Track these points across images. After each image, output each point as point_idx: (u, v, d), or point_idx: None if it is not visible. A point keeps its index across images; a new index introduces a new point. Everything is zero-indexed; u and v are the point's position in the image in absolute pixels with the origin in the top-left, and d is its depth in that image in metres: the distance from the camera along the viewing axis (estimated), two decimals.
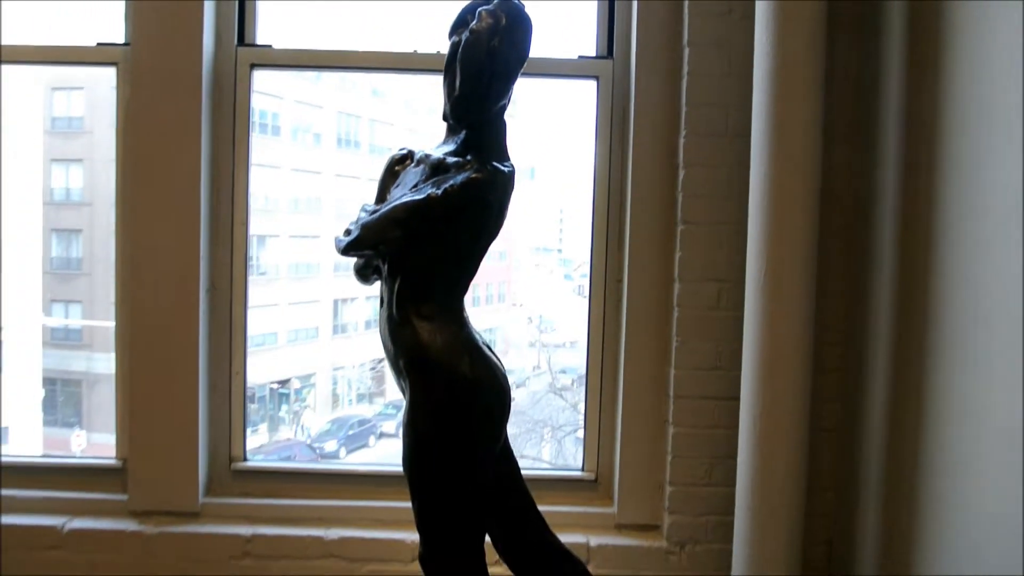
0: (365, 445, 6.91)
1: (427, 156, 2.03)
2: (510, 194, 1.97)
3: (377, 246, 1.93)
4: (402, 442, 1.96)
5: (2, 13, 2.83)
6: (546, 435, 8.25)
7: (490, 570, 2.08)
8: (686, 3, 2.70)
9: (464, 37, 1.94)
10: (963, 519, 2.09)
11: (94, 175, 7.16)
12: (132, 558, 2.75)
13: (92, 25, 2.90)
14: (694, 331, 2.73)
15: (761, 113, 2.47)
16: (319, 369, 7.57)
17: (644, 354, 2.79)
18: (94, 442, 6.76)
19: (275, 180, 7.10)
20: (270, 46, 2.87)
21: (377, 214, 1.94)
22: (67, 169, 7.84)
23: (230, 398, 2.88)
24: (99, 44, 2.85)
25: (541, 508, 2.17)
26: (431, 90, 2.26)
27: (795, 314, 2.45)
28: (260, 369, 7.14)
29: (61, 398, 8.16)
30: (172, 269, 2.77)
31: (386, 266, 1.97)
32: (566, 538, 2.68)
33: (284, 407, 7.39)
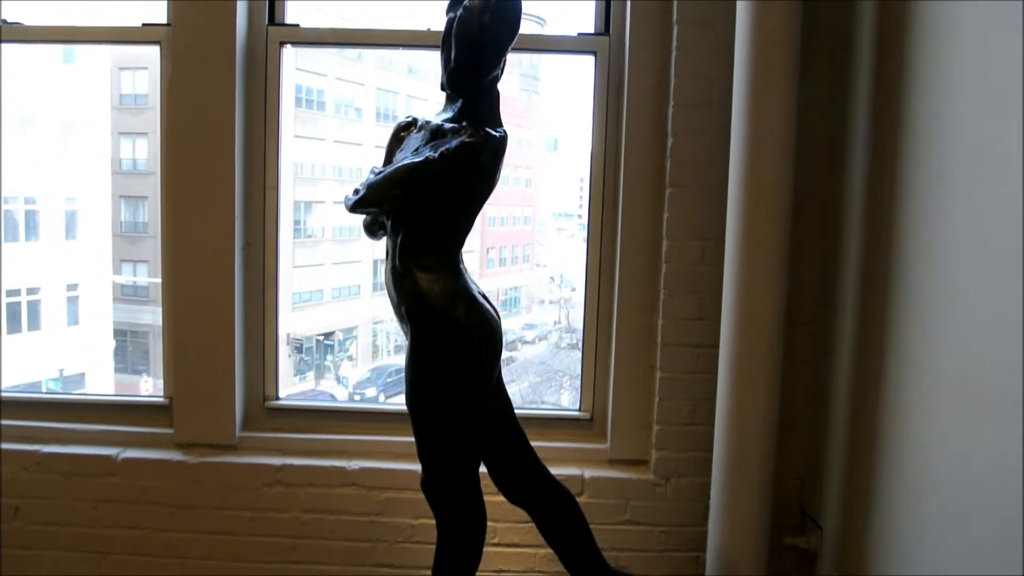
0: (402, 392, 6.98)
1: (428, 123, 2.05)
2: (501, 157, 1.99)
3: (381, 204, 1.97)
4: (405, 380, 2.01)
5: None
6: (565, 383, 8.31)
7: (487, 499, 2.13)
8: None
9: (458, 13, 1.95)
10: (920, 459, 2.10)
11: (159, 147, 7.26)
12: (177, 484, 2.82)
13: (139, 7, 2.93)
14: (680, 285, 2.73)
15: (742, 85, 2.45)
16: (360, 323, 7.65)
17: (635, 306, 2.80)
18: (159, 387, 6.92)
19: (320, 151, 7.16)
20: (298, 25, 2.88)
21: (381, 175, 1.97)
22: (133, 142, 7.93)
23: (264, 344, 2.93)
24: (144, 24, 2.88)
25: (543, 444, 2.21)
26: None
27: (770, 270, 2.45)
28: (306, 323, 7.25)
29: (131, 348, 8.32)
30: (211, 228, 2.81)
31: (390, 222, 2.00)
32: (564, 471, 2.76)
33: (329, 357, 7.50)
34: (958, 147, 1.96)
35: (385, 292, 2.06)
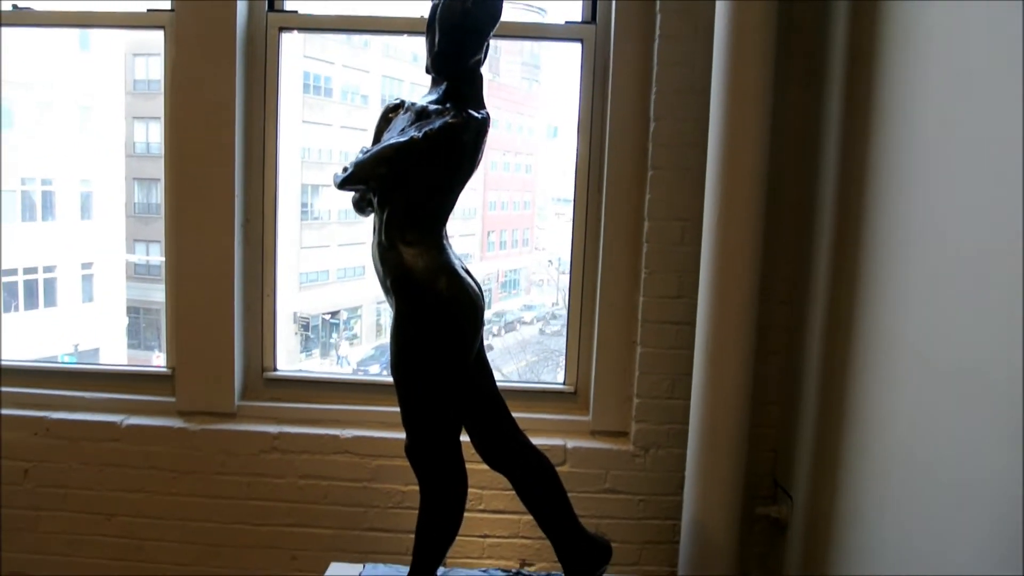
0: None
1: (414, 105, 2.08)
2: (483, 137, 2.01)
3: (367, 181, 2.00)
4: (390, 350, 2.04)
5: None
6: (561, 362, 8.37)
7: (472, 468, 2.17)
8: None
9: (442, 0, 1.98)
10: (885, 432, 2.13)
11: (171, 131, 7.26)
12: (178, 450, 2.87)
13: None
14: (660, 264, 2.76)
15: (720, 71, 2.48)
16: (365, 302, 7.69)
17: (617, 284, 2.83)
18: None
19: (327, 136, 7.18)
20: (296, 12, 2.90)
21: (368, 154, 2.00)
22: (147, 125, 7.95)
23: (262, 317, 2.96)
24: (149, 10, 2.90)
25: (529, 416, 2.23)
26: None
27: (745, 250, 2.48)
28: (313, 302, 7.29)
29: (143, 324, 8.37)
30: (212, 206, 2.84)
31: (376, 199, 2.03)
32: (547, 441, 2.80)
33: (334, 335, 7.54)
34: (930, 122, 1.98)
35: None
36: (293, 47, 2.92)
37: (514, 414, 2.20)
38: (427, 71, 2.09)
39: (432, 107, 2.01)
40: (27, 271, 7.84)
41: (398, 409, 2.82)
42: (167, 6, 2.88)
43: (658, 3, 2.70)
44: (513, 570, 2.46)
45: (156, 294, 8.21)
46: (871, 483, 2.19)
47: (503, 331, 9.14)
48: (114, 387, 2.99)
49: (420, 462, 2.09)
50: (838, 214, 2.46)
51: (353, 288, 7.61)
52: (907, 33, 2.10)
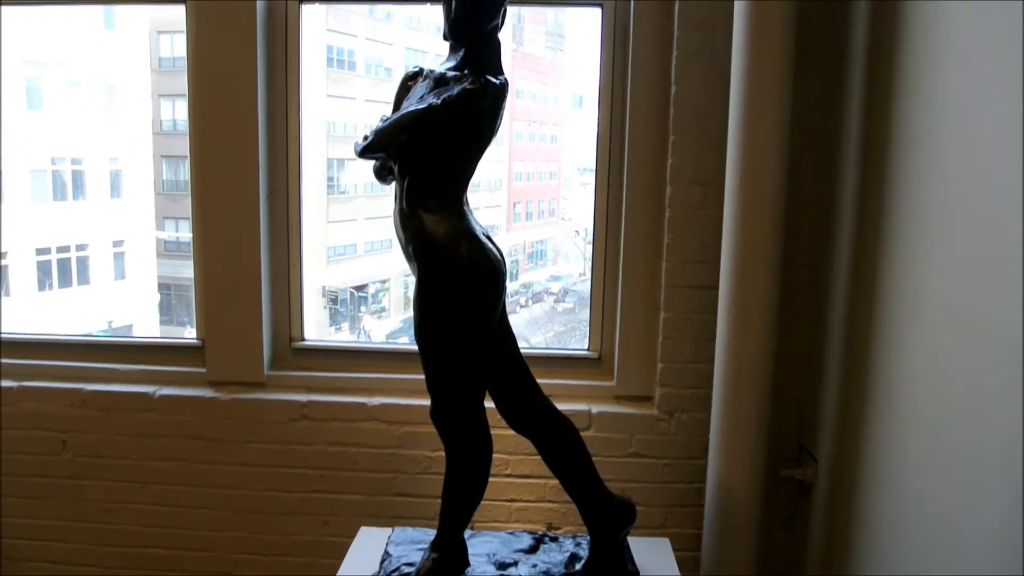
0: None
1: (432, 72, 2.09)
2: (502, 103, 2.02)
3: (387, 149, 2.02)
4: (413, 316, 2.07)
5: None
6: (586, 330, 8.38)
7: (499, 433, 2.20)
8: None
9: None
10: (909, 392, 2.13)
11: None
12: (210, 419, 2.93)
13: None
14: (682, 229, 2.77)
15: (740, 31, 2.46)
16: (392, 275, 7.75)
17: (640, 249, 2.84)
18: None
19: (351, 110, 7.21)
20: None
21: (387, 122, 2.02)
22: (173, 103, 8.03)
23: (289, 288, 3.01)
24: None
25: (553, 381, 2.26)
26: None
27: (767, 213, 2.47)
28: (341, 276, 7.36)
29: (175, 300, 8.50)
30: (236, 179, 2.88)
31: (397, 166, 2.05)
32: (573, 407, 2.83)
33: (363, 308, 7.61)
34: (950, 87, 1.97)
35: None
36: (315, 20, 2.93)
37: (539, 380, 2.23)
38: (444, 38, 2.10)
39: (450, 74, 2.03)
40: (60, 250, 7.98)
41: (423, 376, 2.90)
42: None
43: None
44: (539, 532, 2.51)
45: (186, 270, 8.33)
46: (896, 445, 2.19)
47: (530, 302, 9.18)
48: (146, 359, 3.06)
49: (445, 426, 2.13)
50: (862, 175, 2.45)
51: (381, 261, 7.67)
52: None
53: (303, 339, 3.05)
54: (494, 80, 1.99)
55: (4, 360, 3.02)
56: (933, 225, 2.02)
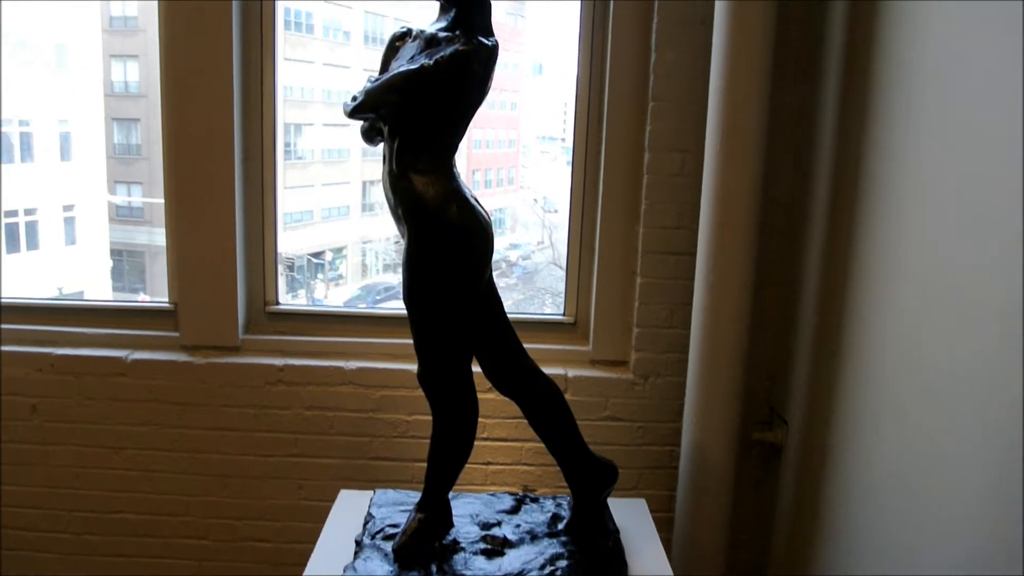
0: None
1: (422, 32, 2.07)
2: (492, 65, 2.02)
3: (377, 109, 2.00)
4: (402, 278, 2.07)
5: None
6: (547, 301, 8.42)
7: (479, 397, 2.21)
8: None
9: None
10: (880, 357, 2.20)
11: (149, 70, 7.18)
12: (184, 383, 2.90)
13: None
14: (660, 195, 2.79)
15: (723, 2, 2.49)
16: (350, 242, 7.69)
17: (618, 215, 2.86)
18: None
19: (309, 74, 7.10)
20: None
21: (378, 82, 2.00)
22: (124, 64, 7.82)
23: (264, 250, 2.97)
24: None
25: (530, 346, 2.27)
26: None
27: (747, 180, 2.51)
28: (297, 242, 7.28)
29: (127, 267, 8.33)
30: (211, 140, 2.82)
31: (387, 127, 2.04)
32: (549, 370, 2.80)
33: (320, 276, 7.55)
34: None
35: (378, 205, 2.09)
36: None
37: None
38: None
39: (441, 34, 2.01)
40: (8, 214, 7.75)
41: (400, 341, 2.90)
42: None
43: None
44: (520, 493, 2.54)
45: (139, 236, 8.17)
46: (868, 410, 2.26)
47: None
48: (116, 323, 3.00)
49: (432, 388, 2.14)
50: (838, 138, 2.50)
51: (338, 228, 7.60)
52: None
53: (277, 303, 3.03)
54: (486, 42, 1.98)
55: None
56: (909, 194, 2.07)
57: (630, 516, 2.45)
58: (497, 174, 9.13)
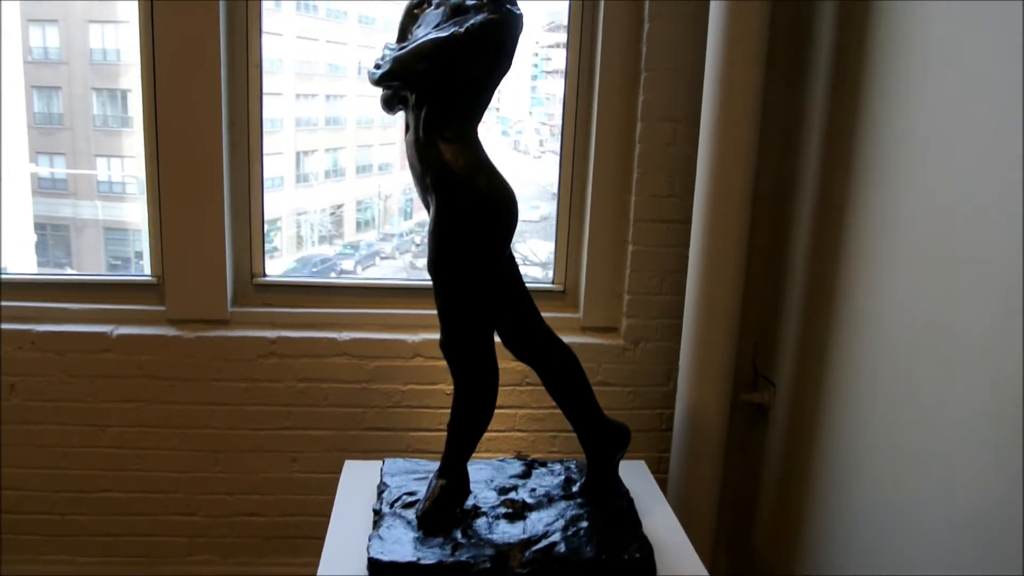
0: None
1: (447, 0, 2.06)
2: (519, 35, 2.02)
3: (406, 77, 1.99)
4: (428, 247, 2.07)
5: None
6: None
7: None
8: None
9: None
10: (878, 318, 2.28)
11: (70, 36, 6.87)
12: (173, 358, 2.84)
13: None
14: (652, 164, 2.84)
15: None
16: (284, 215, 7.55)
17: (609, 184, 2.90)
18: None
19: (278, 45, 6.90)
20: None
21: (406, 49, 1.99)
22: (43, 29, 7.47)
23: (250, 221, 2.92)
24: None
25: None
26: None
27: (742, 149, 2.57)
28: None
29: (51, 241, 8.02)
30: (197, 107, 2.75)
31: (414, 96, 2.02)
32: None
33: None
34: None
35: (312, 175, 2.04)
36: None
37: None
38: None
39: (469, 2, 2.00)
40: None
41: (394, 311, 2.90)
42: None
43: None
44: (529, 458, 2.58)
45: (63, 209, 7.86)
46: (864, 373, 2.33)
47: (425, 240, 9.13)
48: (98, 297, 2.91)
49: (456, 356, 2.15)
50: (830, 113, 2.58)
51: (271, 200, 7.46)
52: None
53: (264, 275, 2.98)
54: (515, 10, 1.99)
55: None
56: (907, 154, 2.15)
57: (633, 478, 2.51)
58: None
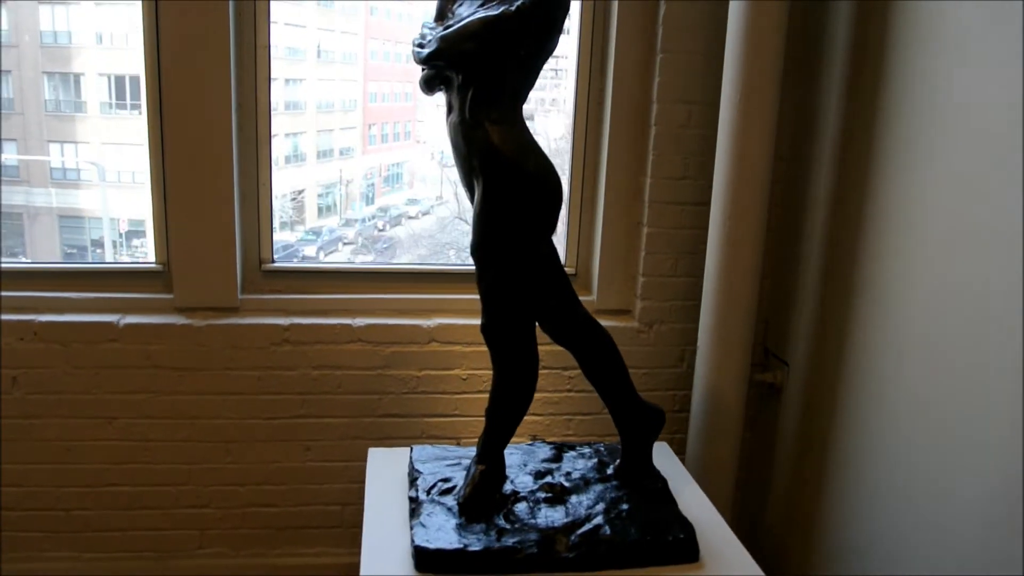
0: None
1: None
2: (567, 13, 1.99)
3: (453, 57, 1.95)
4: (473, 230, 2.03)
5: None
6: (451, 255, 8.40)
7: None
8: None
9: None
10: (902, 296, 2.31)
11: (19, 18, 6.63)
12: (183, 347, 2.75)
13: None
14: (667, 147, 2.83)
15: None
16: None
17: (623, 166, 2.89)
18: None
19: None
20: None
21: (453, 28, 1.94)
22: None
23: (258, 206, 2.84)
24: None
25: None
26: None
27: (764, 131, 2.58)
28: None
29: (4, 230, 7.74)
30: (205, 90, 2.65)
31: (460, 76, 1.98)
32: None
33: None
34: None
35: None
36: None
37: None
38: None
39: None
40: None
41: (408, 296, 2.86)
42: None
43: None
44: (544, 441, 2.57)
45: (16, 197, 7.58)
46: (891, 344, 2.34)
47: (388, 226, 9.05)
48: (101, 286, 2.80)
49: (498, 340, 2.12)
50: (847, 94, 2.60)
51: None
52: None
53: (273, 261, 2.90)
54: None
55: None
56: (929, 131, 2.17)
57: (658, 458, 2.51)
58: (393, 128, 8.94)
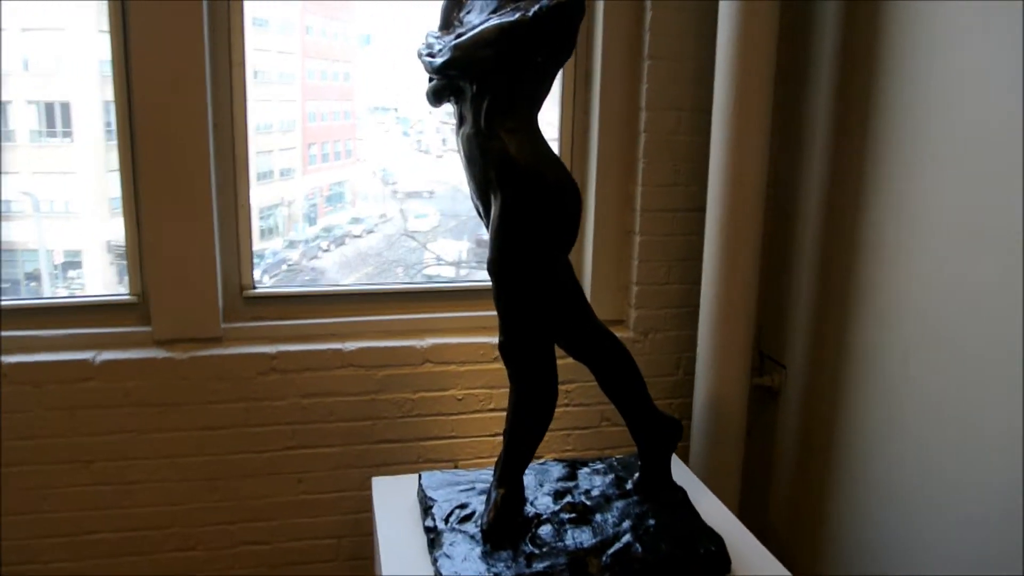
0: None
1: None
2: (582, 19, 1.93)
3: (469, 65, 1.87)
4: (491, 245, 1.95)
5: None
6: (399, 273, 8.28)
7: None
8: None
9: None
10: (896, 298, 2.31)
11: None
12: (163, 381, 2.59)
13: None
14: (657, 154, 2.80)
15: None
16: None
17: (613, 174, 2.84)
18: None
19: None
20: None
21: (467, 36, 1.86)
22: None
23: (237, 231, 2.71)
24: None
25: None
26: None
27: (757, 136, 2.57)
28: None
29: None
30: (181, 111, 2.51)
31: (475, 86, 1.90)
32: None
33: None
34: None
35: None
36: None
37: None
38: None
39: None
40: None
41: (399, 317, 2.76)
42: None
43: None
44: (568, 459, 2.49)
45: None
46: (895, 344, 2.34)
47: (332, 246, 8.89)
48: (72, 322, 2.63)
49: (518, 359, 2.04)
50: (838, 93, 2.60)
51: None
52: None
53: (254, 287, 2.77)
54: None
55: None
56: (927, 128, 2.17)
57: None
58: (334, 147, 8.77)
